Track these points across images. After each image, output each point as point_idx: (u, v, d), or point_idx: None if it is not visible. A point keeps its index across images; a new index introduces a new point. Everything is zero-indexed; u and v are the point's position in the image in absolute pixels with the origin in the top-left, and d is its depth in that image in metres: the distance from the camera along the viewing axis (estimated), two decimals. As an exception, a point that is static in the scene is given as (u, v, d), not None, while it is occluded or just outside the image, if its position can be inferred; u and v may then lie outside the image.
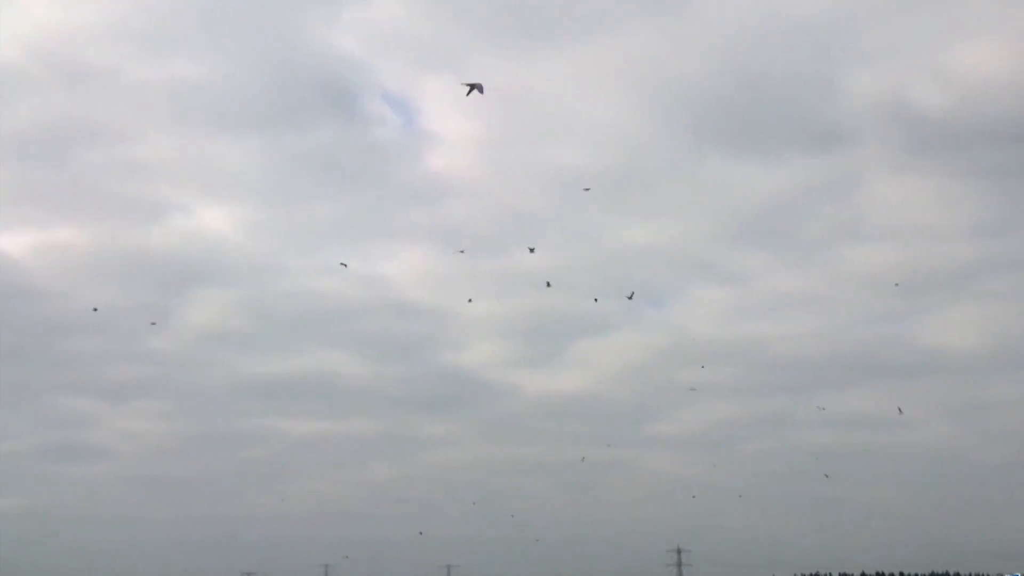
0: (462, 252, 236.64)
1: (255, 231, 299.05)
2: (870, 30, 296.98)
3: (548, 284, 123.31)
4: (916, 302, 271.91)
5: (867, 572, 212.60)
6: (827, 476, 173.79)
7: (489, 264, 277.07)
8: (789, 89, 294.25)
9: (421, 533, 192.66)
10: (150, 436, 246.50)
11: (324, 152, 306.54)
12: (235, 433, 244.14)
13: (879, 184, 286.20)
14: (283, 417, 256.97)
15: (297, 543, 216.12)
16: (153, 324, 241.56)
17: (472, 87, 59.38)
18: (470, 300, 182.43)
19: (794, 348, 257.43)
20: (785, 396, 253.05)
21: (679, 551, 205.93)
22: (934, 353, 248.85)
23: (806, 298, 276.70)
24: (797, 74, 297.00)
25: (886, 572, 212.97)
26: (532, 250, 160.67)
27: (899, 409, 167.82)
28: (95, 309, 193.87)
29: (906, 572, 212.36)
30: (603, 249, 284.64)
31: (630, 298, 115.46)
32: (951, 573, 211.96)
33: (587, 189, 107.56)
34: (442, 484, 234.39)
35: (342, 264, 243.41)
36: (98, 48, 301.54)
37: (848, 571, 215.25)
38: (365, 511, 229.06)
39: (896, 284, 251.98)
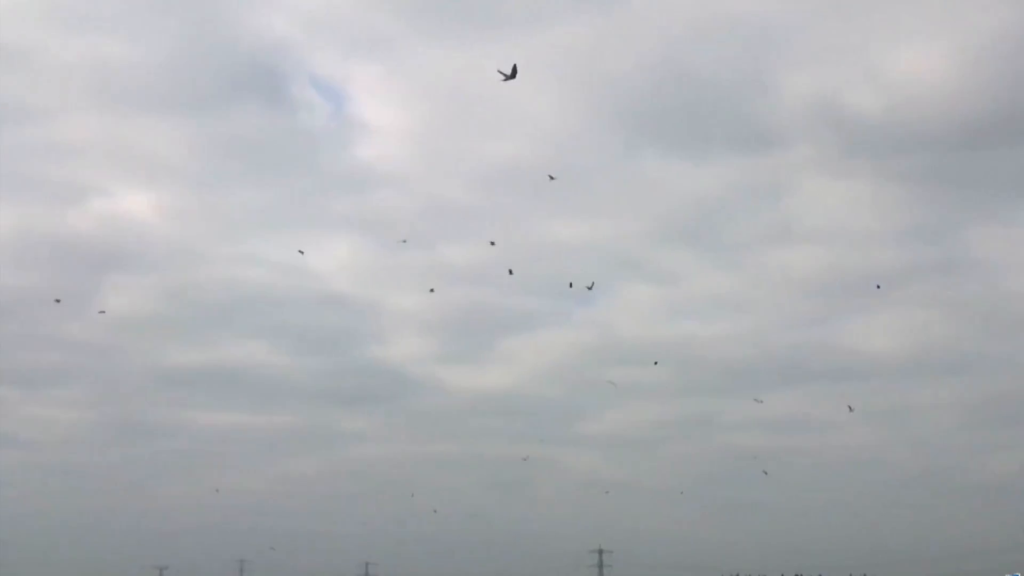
0: (404, 242, 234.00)
1: (177, 217, 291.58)
2: (805, 32, 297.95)
3: (511, 272, 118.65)
4: (843, 306, 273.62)
5: (786, 575, 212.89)
6: (766, 473, 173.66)
7: (417, 257, 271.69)
8: (723, 89, 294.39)
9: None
10: (62, 425, 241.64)
11: (250, 137, 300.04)
12: (150, 423, 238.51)
13: (811, 187, 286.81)
14: (201, 408, 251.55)
15: (213, 537, 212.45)
16: (57, 301, 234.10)
17: (508, 75, 57.11)
18: (432, 290, 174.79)
19: (721, 349, 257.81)
20: (712, 397, 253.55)
21: (600, 551, 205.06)
22: (858, 357, 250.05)
23: (734, 299, 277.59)
24: (732, 74, 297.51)
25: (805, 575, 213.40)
26: (493, 243, 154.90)
27: (849, 407, 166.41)
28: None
29: (824, 575, 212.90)
30: (533, 245, 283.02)
31: (590, 288, 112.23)
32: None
33: (552, 178, 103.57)
34: (364, 479, 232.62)
35: (300, 252, 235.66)
36: (18, 26, 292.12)
37: (768, 574, 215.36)
38: (284, 505, 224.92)
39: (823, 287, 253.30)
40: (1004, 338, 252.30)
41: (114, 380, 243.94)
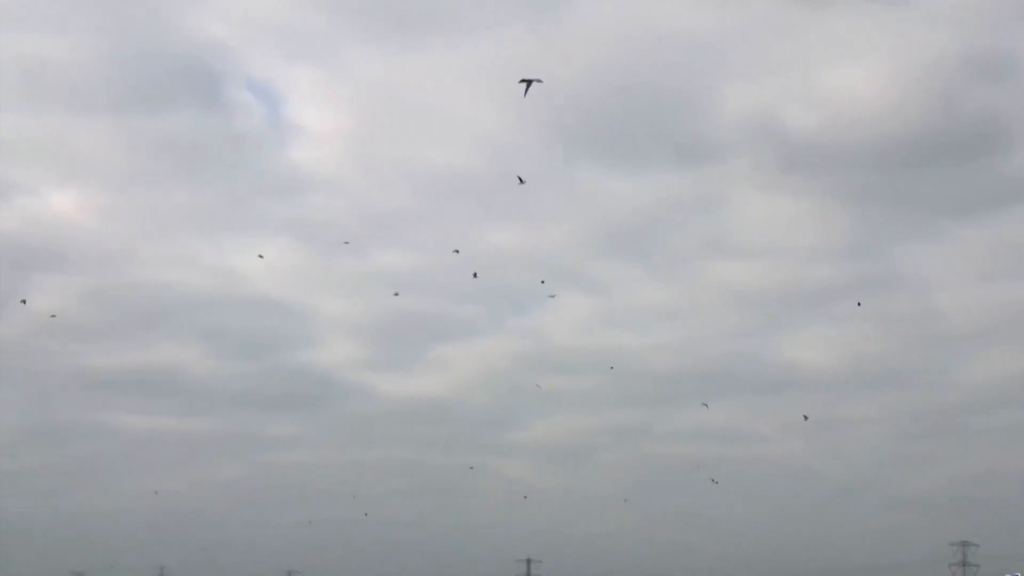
0: (347, 243, 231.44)
1: (105, 217, 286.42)
2: (744, 48, 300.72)
3: (475, 275, 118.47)
4: (776, 319, 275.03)
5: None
6: (715, 482, 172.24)
7: (350, 262, 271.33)
8: (662, 102, 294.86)
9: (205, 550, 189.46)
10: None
11: (182, 138, 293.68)
12: (72, 426, 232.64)
13: (748, 201, 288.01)
14: (124, 412, 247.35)
15: (133, 543, 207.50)
16: None
17: (529, 83, 55.71)
18: (396, 294, 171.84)
19: (655, 360, 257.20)
20: (644, 408, 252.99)
21: (529, 561, 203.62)
22: (790, 370, 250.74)
23: (669, 311, 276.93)
24: (671, 87, 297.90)
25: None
26: (457, 251, 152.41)
27: (804, 416, 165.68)
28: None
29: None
30: (467, 252, 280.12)
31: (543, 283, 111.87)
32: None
33: (522, 181, 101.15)
34: (291, 486, 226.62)
35: (259, 256, 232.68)
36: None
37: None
38: (207, 511, 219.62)
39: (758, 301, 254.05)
40: (933, 354, 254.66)
41: (34, 382, 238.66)
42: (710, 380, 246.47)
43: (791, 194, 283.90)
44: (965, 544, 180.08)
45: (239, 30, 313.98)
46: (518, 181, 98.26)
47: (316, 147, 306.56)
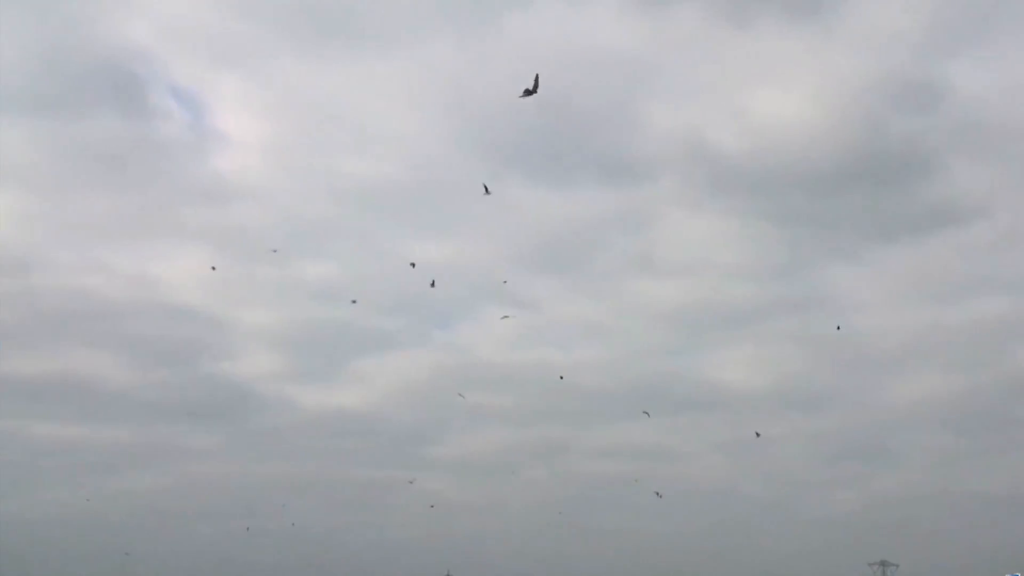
0: (275, 251, 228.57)
1: (20, 221, 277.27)
2: (672, 68, 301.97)
3: (354, 302, 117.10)
4: (701, 339, 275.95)
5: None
6: (659, 495, 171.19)
7: (272, 272, 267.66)
8: (591, 119, 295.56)
9: (128, 554, 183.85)
10: None
11: (103, 144, 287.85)
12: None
13: (674, 220, 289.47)
14: (36, 419, 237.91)
15: (44, 553, 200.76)
16: None
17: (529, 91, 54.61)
18: (354, 300, 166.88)
19: (580, 377, 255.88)
20: (569, 425, 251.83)
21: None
22: (715, 389, 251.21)
23: (595, 328, 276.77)
24: (600, 105, 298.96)
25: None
26: (413, 264, 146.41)
27: (756, 433, 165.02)
28: None
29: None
30: (392, 265, 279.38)
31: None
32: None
33: (487, 191, 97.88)
34: (206, 498, 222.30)
35: (212, 268, 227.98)
36: None
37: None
38: (121, 523, 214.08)
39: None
40: (854, 376, 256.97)
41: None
42: (635, 397, 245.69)
43: (718, 214, 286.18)
44: (884, 564, 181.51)
45: (164, 36, 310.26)
46: (484, 190, 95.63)
47: (239, 155, 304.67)
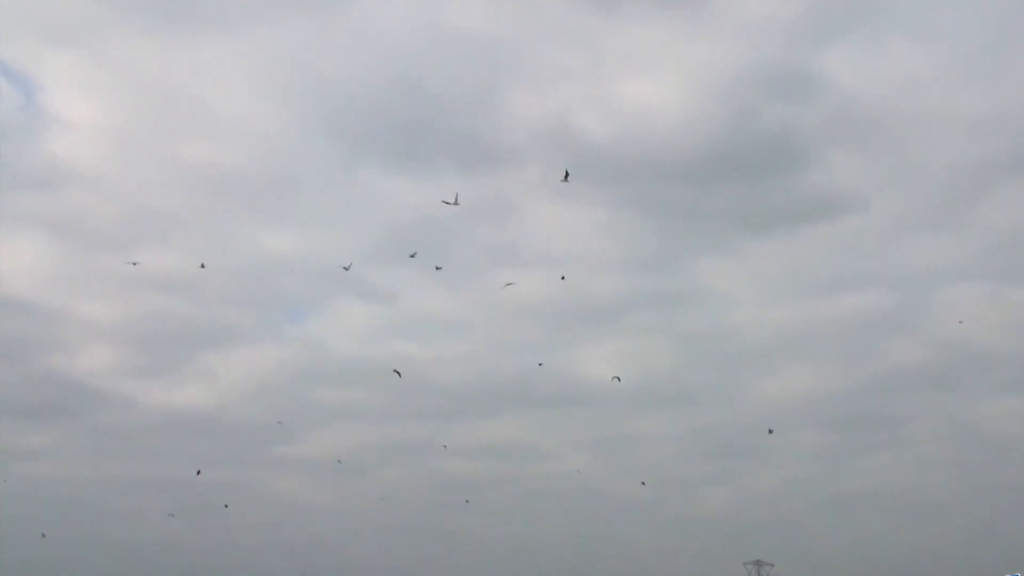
0: (346, 268, 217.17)
1: None
2: (536, 53, 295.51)
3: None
4: (568, 332, 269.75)
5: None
6: (467, 502, 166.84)
7: (110, 262, 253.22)
8: (449, 104, 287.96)
9: None
10: None
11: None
12: None
13: (537, 210, 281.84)
14: None
15: None
16: None
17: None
18: (510, 284, 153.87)
19: (440, 372, 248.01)
20: (426, 422, 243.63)
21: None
22: (580, 385, 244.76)
23: (456, 321, 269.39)
24: (459, 90, 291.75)
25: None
26: (412, 255, 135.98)
27: (770, 429, 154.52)
28: None
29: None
30: (239, 255, 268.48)
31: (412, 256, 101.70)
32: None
33: (567, 175, 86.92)
34: (37, 502, 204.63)
35: (201, 265, 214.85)
36: None
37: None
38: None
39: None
40: (727, 371, 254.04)
41: None
42: (499, 393, 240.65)
43: (584, 204, 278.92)
44: (759, 563, 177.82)
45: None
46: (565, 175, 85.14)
47: (76, 139, 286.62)
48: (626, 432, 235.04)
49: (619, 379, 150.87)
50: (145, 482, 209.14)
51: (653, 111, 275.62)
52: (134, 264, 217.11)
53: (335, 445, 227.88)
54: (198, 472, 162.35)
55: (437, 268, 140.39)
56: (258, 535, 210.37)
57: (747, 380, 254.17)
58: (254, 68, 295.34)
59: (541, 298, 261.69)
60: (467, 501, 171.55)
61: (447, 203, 60.07)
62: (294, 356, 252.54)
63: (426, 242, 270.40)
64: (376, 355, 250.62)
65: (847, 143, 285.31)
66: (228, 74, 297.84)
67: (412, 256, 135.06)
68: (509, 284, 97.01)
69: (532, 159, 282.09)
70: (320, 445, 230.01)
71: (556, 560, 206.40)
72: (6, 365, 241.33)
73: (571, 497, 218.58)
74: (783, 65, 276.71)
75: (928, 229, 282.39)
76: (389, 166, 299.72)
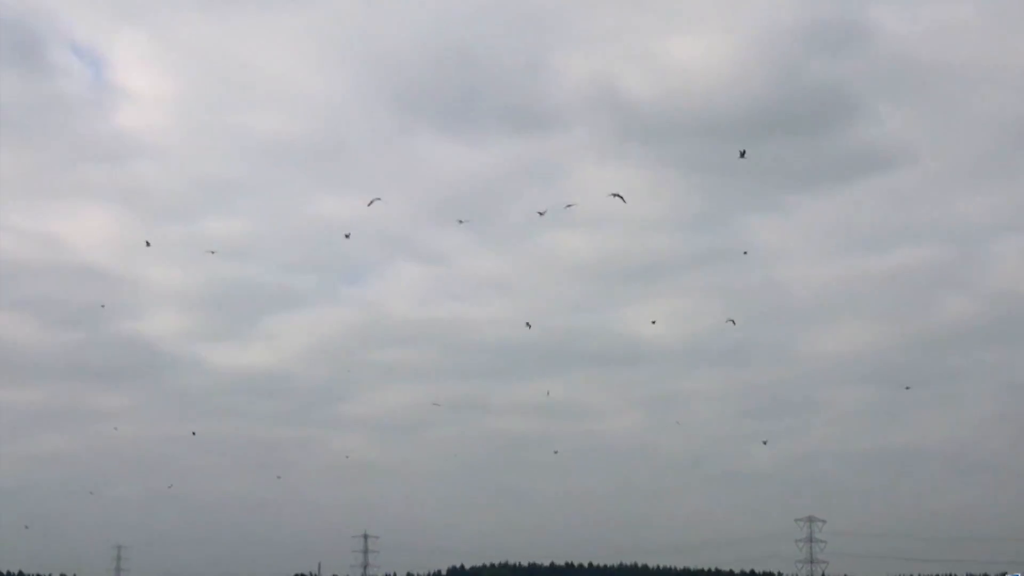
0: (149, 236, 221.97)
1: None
2: (583, 16, 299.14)
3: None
4: (616, 292, 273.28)
5: (557, 563, 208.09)
6: (556, 452, 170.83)
7: (178, 230, 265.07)
8: (499, 70, 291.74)
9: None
10: None
11: (3, 101, 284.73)
12: None
13: (586, 171, 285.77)
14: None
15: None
16: None
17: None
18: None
19: (492, 332, 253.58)
20: (482, 380, 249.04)
21: (366, 536, 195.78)
22: (631, 344, 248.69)
23: (507, 282, 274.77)
24: (508, 55, 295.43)
25: (575, 564, 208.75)
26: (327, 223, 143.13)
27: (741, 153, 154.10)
28: None
29: (595, 563, 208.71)
30: (300, 221, 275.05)
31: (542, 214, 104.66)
32: (639, 565, 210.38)
33: (743, 154, 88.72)
34: (117, 459, 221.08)
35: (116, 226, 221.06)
36: None
37: (538, 561, 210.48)
38: (29, 485, 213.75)
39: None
40: (777, 327, 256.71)
41: None
42: (549, 353, 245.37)
43: (630, 164, 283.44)
44: (811, 520, 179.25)
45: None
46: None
47: (143, 112, 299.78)
48: (675, 390, 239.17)
49: (654, 322, 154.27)
50: (215, 439, 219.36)
51: (699, 69, 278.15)
52: (212, 252, 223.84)
53: (393, 402, 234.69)
54: (269, 430, 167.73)
55: (460, 221, 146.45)
56: (322, 491, 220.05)
57: (794, 337, 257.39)
58: (312, 39, 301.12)
59: (591, 258, 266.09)
60: (555, 452, 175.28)
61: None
62: (353, 317, 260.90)
63: (477, 204, 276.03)
64: (431, 316, 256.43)
65: (897, 96, 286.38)
66: (286, 46, 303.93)
67: (461, 223, 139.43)
68: (542, 213, 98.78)
69: (579, 121, 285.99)
70: (379, 404, 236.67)
71: (609, 515, 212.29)
72: (82, 329, 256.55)
73: (622, 454, 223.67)
74: (831, 18, 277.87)
75: (981, 180, 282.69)
76: (442, 131, 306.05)
